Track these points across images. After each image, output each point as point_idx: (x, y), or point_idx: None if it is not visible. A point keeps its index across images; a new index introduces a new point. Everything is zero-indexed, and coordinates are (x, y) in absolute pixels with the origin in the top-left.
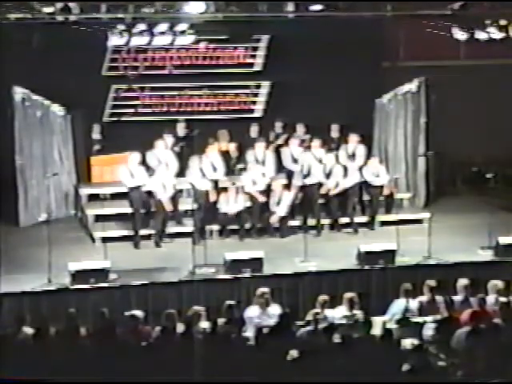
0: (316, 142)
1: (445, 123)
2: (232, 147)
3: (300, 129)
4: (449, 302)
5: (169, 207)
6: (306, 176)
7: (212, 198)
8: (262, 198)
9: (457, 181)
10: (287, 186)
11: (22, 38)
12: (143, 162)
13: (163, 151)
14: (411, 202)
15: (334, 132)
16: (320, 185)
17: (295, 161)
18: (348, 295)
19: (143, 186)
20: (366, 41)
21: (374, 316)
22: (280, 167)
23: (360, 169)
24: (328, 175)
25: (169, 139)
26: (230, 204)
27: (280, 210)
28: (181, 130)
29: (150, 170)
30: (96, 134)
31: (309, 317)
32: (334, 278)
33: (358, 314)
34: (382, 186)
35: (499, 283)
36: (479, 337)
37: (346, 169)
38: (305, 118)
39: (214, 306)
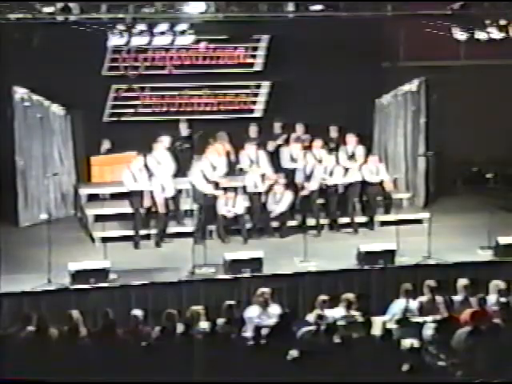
0: (318, 143)
1: (445, 123)
2: (231, 148)
3: (300, 129)
4: (448, 302)
5: (163, 208)
6: (308, 177)
7: (212, 198)
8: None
9: (456, 181)
10: (287, 186)
11: (22, 38)
12: (145, 165)
13: (162, 153)
14: (411, 202)
15: (333, 132)
16: (321, 186)
17: (294, 161)
18: (345, 296)
19: (143, 188)
20: (366, 41)
21: (373, 316)
22: (279, 167)
23: (360, 168)
24: (329, 175)
25: (166, 140)
26: (229, 206)
27: (280, 207)
28: (183, 129)
29: (149, 171)
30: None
31: (310, 317)
32: (333, 278)
33: (356, 314)
34: (381, 184)
35: (500, 283)
36: (479, 337)
37: (346, 170)
38: (305, 118)
39: (213, 306)
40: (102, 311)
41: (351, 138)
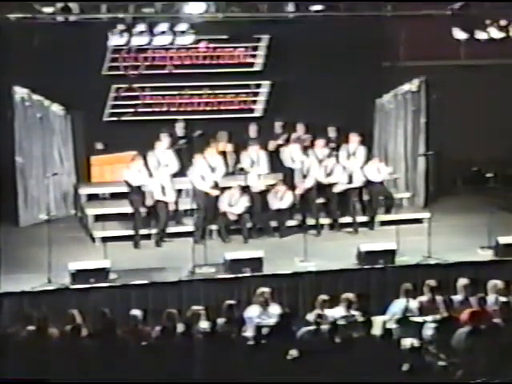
0: (320, 142)
1: (445, 123)
2: (230, 148)
3: (300, 128)
4: (448, 301)
5: (166, 205)
6: (305, 176)
7: (212, 198)
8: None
9: (457, 180)
10: (289, 186)
11: (22, 38)
12: (145, 163)
13: (163, 151)
14: (411, 202)
15: (332, 133)
16: (320, 185)
17: (293, 161)
18: (345, 295)
19: (144, 186)
20: (366, 41)
21: (374, 316)
22: (280, 166)
23: (361, 169)
24: (329, 175)
25: (166, 139)
26: (232, 203)
27: (282, 204)
28: (179, 129)
29: (149, 171)
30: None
31: (310, 317)
32: (333, 277)
33: (356, 314)
34: (382, 184)
35: (499, 283)
36: (479, 337)
37: (346, 169)
38: (305, 117)
39: (213, 306)
40: (100, 311)
41: (354, 138)
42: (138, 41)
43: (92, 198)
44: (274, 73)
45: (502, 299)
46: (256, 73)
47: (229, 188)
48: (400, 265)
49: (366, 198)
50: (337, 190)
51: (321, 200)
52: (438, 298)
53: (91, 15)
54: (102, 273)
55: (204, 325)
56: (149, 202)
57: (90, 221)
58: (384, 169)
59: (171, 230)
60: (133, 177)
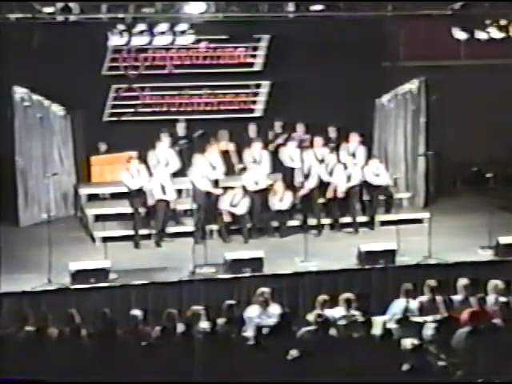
0: (318, 141)
1: (445, 123)
2: (231, 147)
3: (300, 128)
4: (448, 301)
5: (166, 204)
6: (306, 176)
7: (212, 197)
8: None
9: (457, 181)
10: (288, 186)
11: (22, 38)
12: (144, 162)
13: (165, 151)
14: (411, 202)
15: (332, 133)
16: (321, 185)
17: (292, 160)
18: (345, 295)
19: (143, 186)
20: (366, 41)
21: (374, 316)
22: (279, 166)
23: (361, 169)
24: (330, 174)
25: (166, 138)
26: (234, 203)
27: (281, 206)
28: (181, 129)
29: (149, 169)
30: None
31: (310, 317)
32: (334, 277)
33: (356, 314)
34: (381, 186)
35: (499, 283)
36: (479, 337)
37: (347, 168)
38: (305, 117)
39: (214, 306)
40: (101, 311)
41: (354, 137)
42: (137, 41)
43: (92, 198)
44: (274, 73)
45: (502, 299)
46: (256, 73)
47: (231, 188)
48: (400, 265)
49: (366, 198)
50: (340, 192)
51: (321, 200)
52: (438, 298)
53: (91, 15)
54: (101, 273)
55: (204, 325)
56: (149, 201)
57: (90, 221)
58: (384, 172)
59: (171, 230)
60: (131, 180)
